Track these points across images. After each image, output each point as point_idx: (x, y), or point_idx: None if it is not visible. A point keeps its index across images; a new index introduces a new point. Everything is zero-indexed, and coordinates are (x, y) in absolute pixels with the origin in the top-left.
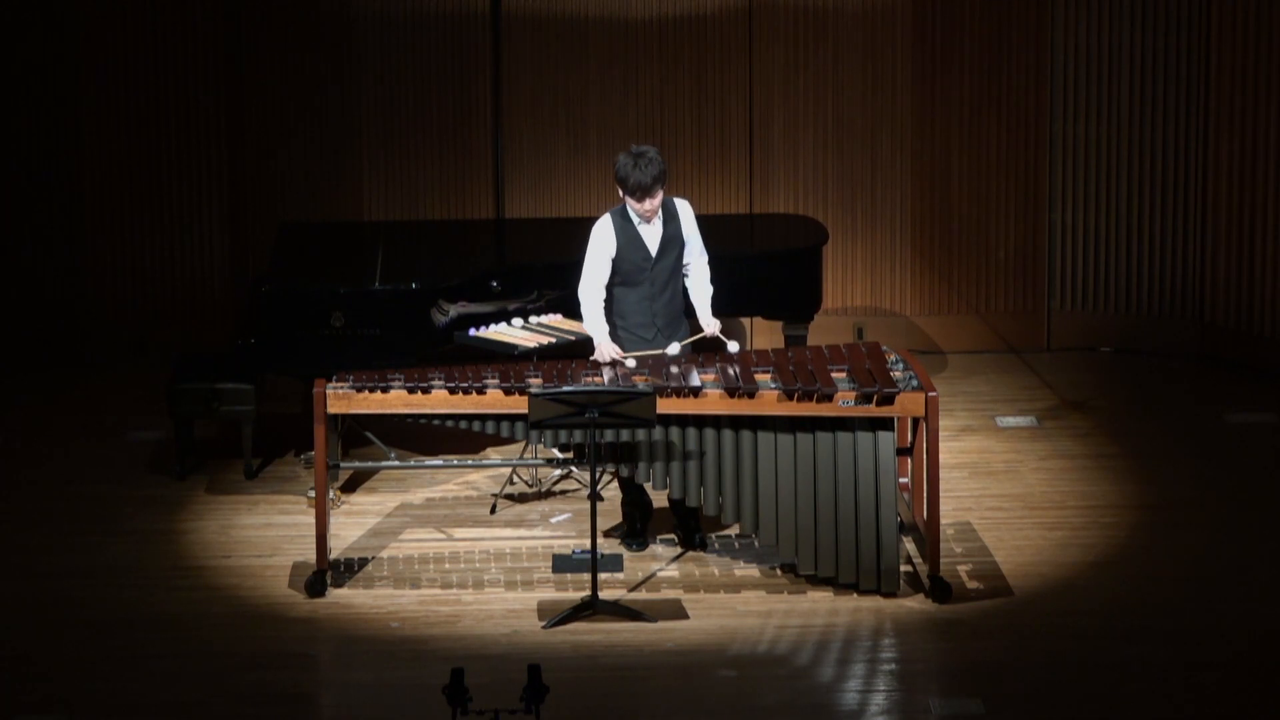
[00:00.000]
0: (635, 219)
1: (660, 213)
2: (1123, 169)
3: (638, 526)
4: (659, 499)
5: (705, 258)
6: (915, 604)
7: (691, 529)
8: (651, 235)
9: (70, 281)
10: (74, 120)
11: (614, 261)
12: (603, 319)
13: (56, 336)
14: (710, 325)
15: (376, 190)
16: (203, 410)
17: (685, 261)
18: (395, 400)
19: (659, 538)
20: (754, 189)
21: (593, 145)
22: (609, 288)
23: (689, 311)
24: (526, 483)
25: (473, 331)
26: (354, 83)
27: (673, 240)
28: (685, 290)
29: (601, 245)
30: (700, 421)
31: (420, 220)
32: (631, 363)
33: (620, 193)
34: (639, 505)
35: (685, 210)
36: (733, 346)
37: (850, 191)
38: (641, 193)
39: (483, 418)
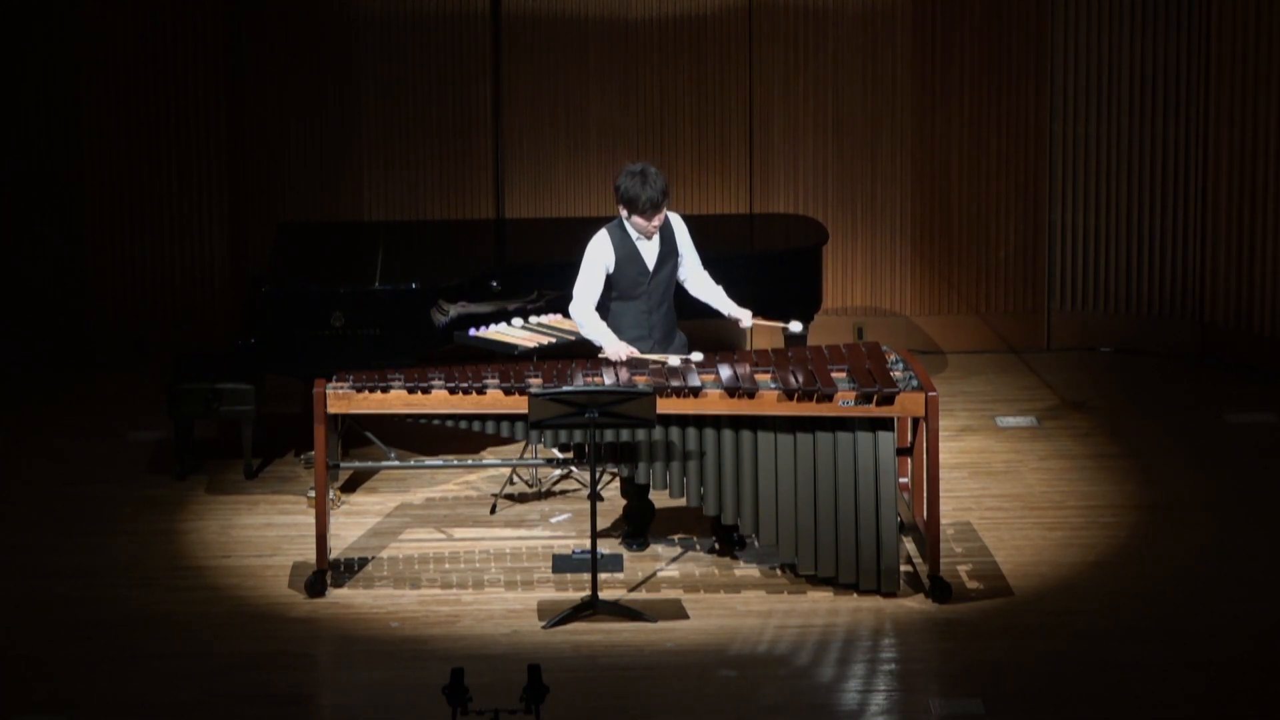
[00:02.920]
0: (633, 234)
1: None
2: (1123, 169)
3: (638, 527)
4: (667, 502)
5: (705, 272)
6: (915, 604)
7: (729, 532)
8: (649, 250)
9: (71, 282)
10: (74, 121)
11: (610, 277)
12: (603, 323)
13: (57, 337)
14: (743, 315)
15: (376, 190)
16: (203, 410)
17: (682, 277)
18: (395, 400)
19: (664, 538)
20: (754, 189)
21: (593, 145)
22: (605, 304)
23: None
24: (526, 483)
25: (473, 331)
26: (354, 83)
27: (669, 254)
28: (697, 300)
29: (598, 260)
30: (700, 421)
31: (420, 220)
32: (649, 357)
33: (625, 213)
34: (641, 508)
35: (679, 223)
36: (794, 326)
37: (850, 191)
38: (654, 209)
39: (483, 418)
